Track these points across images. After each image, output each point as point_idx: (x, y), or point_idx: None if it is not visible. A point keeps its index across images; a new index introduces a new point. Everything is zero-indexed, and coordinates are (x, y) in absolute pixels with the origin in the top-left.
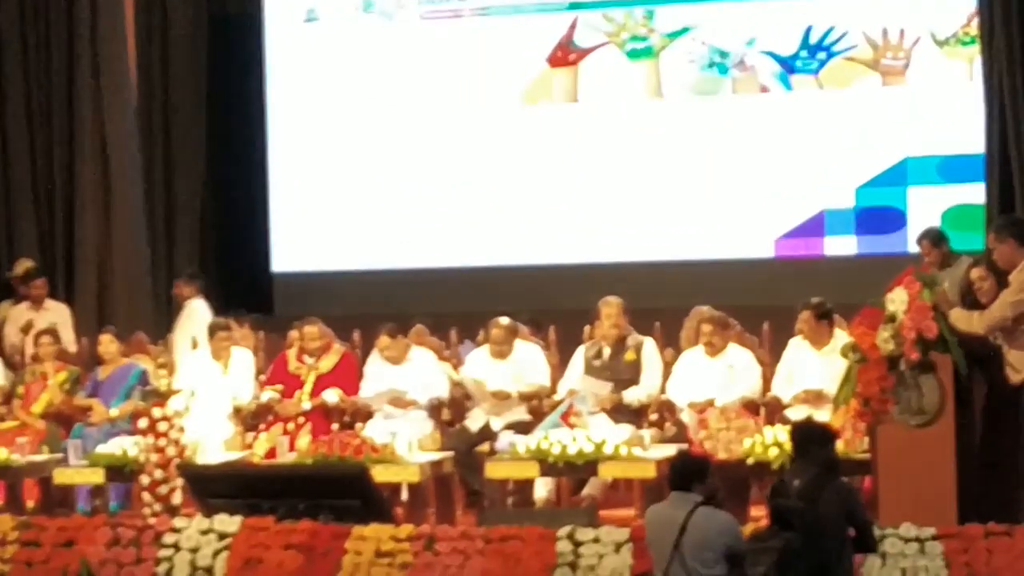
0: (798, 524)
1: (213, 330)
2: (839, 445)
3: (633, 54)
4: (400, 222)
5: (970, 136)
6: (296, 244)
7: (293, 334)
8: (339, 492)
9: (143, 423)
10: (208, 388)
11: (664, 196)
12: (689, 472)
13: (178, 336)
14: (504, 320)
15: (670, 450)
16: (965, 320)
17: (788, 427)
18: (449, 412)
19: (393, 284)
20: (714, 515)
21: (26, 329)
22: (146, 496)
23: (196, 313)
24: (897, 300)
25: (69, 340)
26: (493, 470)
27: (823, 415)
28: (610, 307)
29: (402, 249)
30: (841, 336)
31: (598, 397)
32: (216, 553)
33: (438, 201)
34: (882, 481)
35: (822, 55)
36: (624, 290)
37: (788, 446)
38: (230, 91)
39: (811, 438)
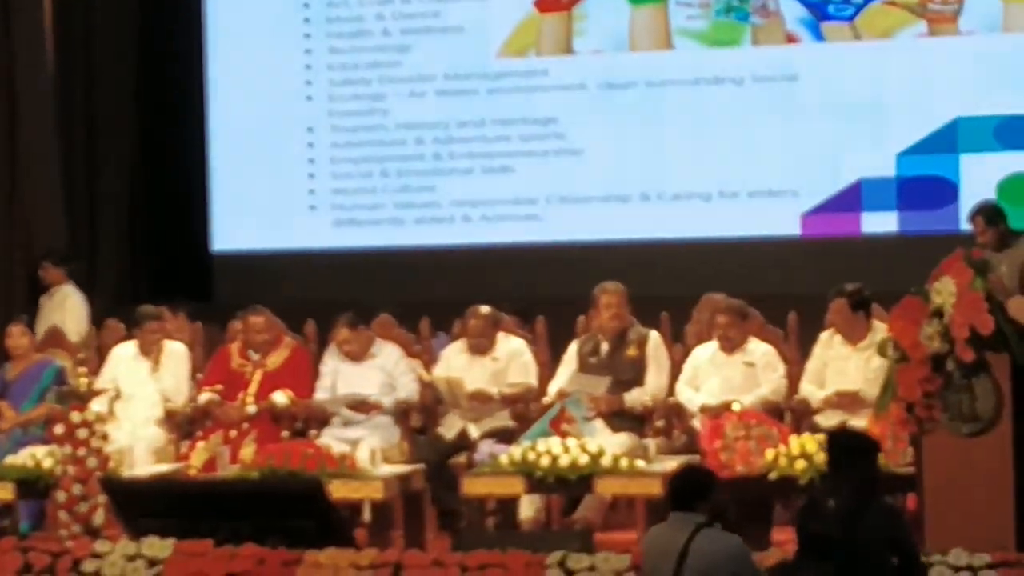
0: (836, 553)
1: (142, 319)
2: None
3: None
4: (363, 193)
5: None
6: (241, 219)
7: (236, 325)
8: (290, 511)
9: (59, 429)
10: (136, 388)
11: (672, 164)
12: (690, 488)
13: (41, 329)
14: (484, 309)
15: (679, 462)
16: None
17: (819, 436)
18: (419, 417)
19: (355, 266)
20: (719, 538)
21: None
22: (63, 515)
23: (67, 301)
24: (944, 291)
25: None
26: (471, 486)
27: (858, 421)
28: (609, 295)
29: (365, 226)
30: (880, 329)
31: (593, 397)
32: None
33: (407, 169)
34: (929, 500)
35: None
36: (625, 274)
37: (819, 458)
38: (163, 45)
39: (850, 449)
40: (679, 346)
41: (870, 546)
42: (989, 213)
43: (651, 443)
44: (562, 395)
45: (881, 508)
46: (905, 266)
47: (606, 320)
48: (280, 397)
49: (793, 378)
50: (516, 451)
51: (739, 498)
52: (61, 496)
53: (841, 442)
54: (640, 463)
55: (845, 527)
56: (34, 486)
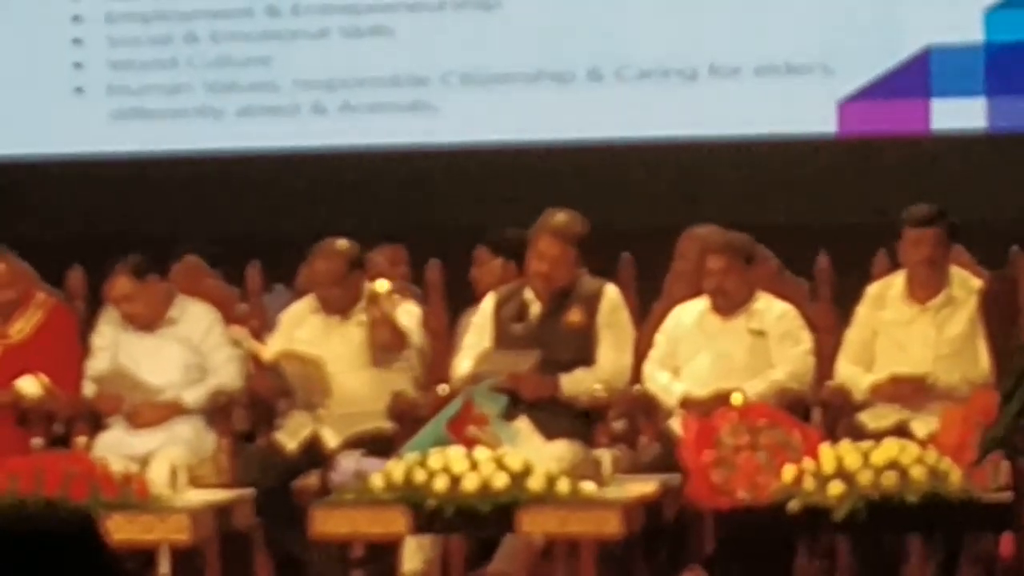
0: None
1: None
2: (953, 478)
3: None
4: (156, 69)
5: None
6: None
7: None
8: (45, 562)
9: None
10: None
11: (639, 24)
12: None
13: None
14: (341, 244)
15: (648, 485)
16: None
17: (865, 445)
18: (246, 416)
19: (144, 181)
20: None
21: None
22: None
23: None
24: None
25: None
26: (326, 522)
27: (926, 420)
28: (552, 233)
29: (161, 119)
30: (959, 279)
31: (514, 375)
32: None
33: (225, 31)
34: None
35: None
36: (563, 193)
37: (865, 478)
38: None
39: None
40: (649, 305)
41: None
42: None
43: (605, 455)
44: (467, 381)
45: None
46: (998, 181)
47: (538, 267)
48: (29, 385)
49: (825, 354)
50: (396, 468)
51: (743, 538)
52: None
53: None
54: (588, 486)
55: None
56: None
